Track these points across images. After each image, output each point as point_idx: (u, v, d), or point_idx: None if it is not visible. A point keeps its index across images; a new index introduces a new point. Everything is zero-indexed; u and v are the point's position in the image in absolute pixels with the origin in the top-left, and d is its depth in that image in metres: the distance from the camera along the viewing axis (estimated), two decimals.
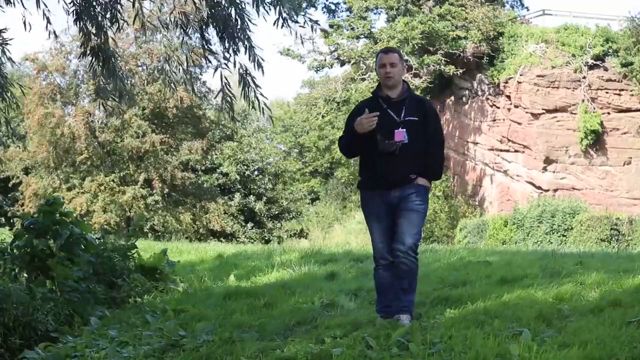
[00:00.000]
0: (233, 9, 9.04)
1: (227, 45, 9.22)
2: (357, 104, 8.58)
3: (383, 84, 8.19)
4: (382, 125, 7.85)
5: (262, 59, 9.26)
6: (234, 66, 9.29)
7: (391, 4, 37.56)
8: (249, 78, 9.30)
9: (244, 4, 9.09)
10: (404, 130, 7.86)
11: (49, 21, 10.05)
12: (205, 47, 9.54)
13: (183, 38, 9.75)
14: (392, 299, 8.11)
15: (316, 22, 9.41)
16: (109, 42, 9.90)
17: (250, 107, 9.41)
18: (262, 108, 9.55)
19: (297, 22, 9.24)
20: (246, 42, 9.13)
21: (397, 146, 7.84)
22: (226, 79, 9.42)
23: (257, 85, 9.38)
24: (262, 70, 9.24)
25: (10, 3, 9.77)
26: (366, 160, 8.15)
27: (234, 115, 10.19)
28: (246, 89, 9.29)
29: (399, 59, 8.17)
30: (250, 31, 9.19)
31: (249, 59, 9.22)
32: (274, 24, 9.15)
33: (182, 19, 9.45)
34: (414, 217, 7.95)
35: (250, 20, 9.15)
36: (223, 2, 9.06)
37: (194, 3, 9.37)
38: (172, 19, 9.67)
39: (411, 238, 7.90)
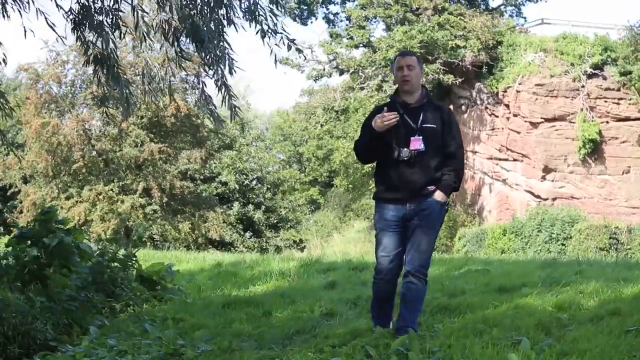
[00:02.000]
0: (211, 23, 9.07)
1: (204, 57, 9.27)
2: (375, 107, 8.44)
3: (400, 89, 7.89)
4: (399, 132, 7.60)
5: (235, 70, 9.30)
6: (211, 78, 9.34)
7: (390, 13, 37.60)
8: (224, 89, 9.33)
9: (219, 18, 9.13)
10: (421, 137, 7.59)
11: (53, 29, 10.06)
12: (180, 55, 9.55)
13: (166, 48, 9.79)
14: (388, 308, 8.02)
15: (292, 41, 9.37)
16: (112, 48, 9.89)
17: (233, 119, 9.47)
18: (235, 116, 9.57)
19: (275, 35, 9.21)
20: (222, 55, 9.16)
21: (412, 154, 7.56)
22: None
23: (232, 95, 9.43)
24: (232, 71, 9.25)
25: (7, 16, 9.78)
26: (382, 169, 7.86)
27: (218, 117, 10.21)
28: (224, 99, 9.35)
29: (417, 62, 7.86)
30: (227, 45, 9.23)
31: (226, 71, 9.27)
32: (256, 33, 9.18)
33: (164, 27, 9.44)
34: (427, 237, 7.68)
35: (226, 39, 9.17)
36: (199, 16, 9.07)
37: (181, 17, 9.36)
38: (155, 27, 9.68)
39: (423, 259, 7.67)
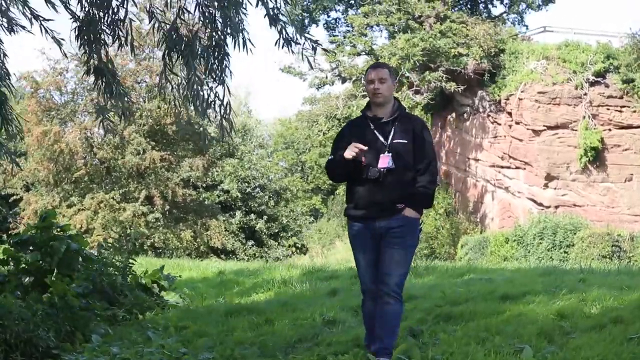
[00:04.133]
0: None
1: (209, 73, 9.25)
2: (344, 124, 8.09)
3: (372, 102, 7.64)
4: (368, 148, 7.28)
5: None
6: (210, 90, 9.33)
7: (392, 21, 37.63)
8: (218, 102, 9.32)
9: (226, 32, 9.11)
10: (390, 155, 7.28)
11: (58, 44, 10.10)
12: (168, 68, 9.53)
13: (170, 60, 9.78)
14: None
15: (316, 41, 9.31)
16: (111, 59, 9.92)
17: (229, 130, 9.44)
18: (229, 130, 9.54)
19: (298, 43, 9.15)
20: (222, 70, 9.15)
21: (381, 173, 7.27)
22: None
23: (228, 109, 9.42)
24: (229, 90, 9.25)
25: (13, 31, 9.80)
26: (351, 186, 7.58)
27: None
28: (221, 111, 9.33)
29: (389, 75, 7.58)
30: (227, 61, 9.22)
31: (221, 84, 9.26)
32: (275, 44, 9.12)
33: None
34: (399, 255, 7.33)
35: (228, 55, 9.15)
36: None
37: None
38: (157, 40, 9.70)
39: (395, 278, 7.30)
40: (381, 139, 7.40)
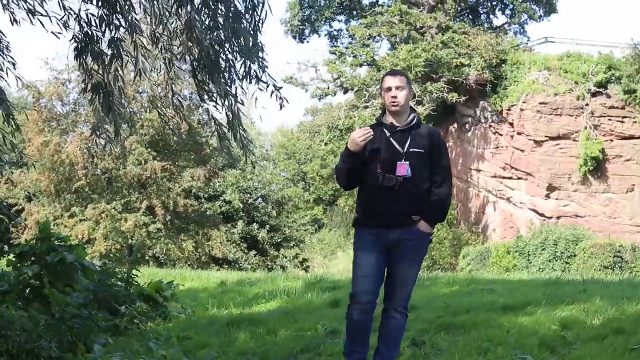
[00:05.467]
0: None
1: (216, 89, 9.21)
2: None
3: (388, 110, 7.30)
4: (384, 156, 7.10)
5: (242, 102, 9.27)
6: (222, 107, 9.30)
7: (394, 32, 37.71)
8: (235, 121, 9.28)
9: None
10: (407, 163, 7.06)
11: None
12: (199, 85, 9.50)
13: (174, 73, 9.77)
14: (362, 346, 7.27)
15: (279, 88, 9.03)
16: (111, 77, 9.91)
17: (239, 148, 9.41)
18: (246, 151, 9.51)
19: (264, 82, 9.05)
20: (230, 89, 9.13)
21: (398, 181, 7.02)
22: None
23: (243, 129, 9.39)
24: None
25: (17, 22, 9.83)
26: (364, 195, 7.29)
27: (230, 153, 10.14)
28: (234, 131, 9.30)
29: (406, 83, 7.28)
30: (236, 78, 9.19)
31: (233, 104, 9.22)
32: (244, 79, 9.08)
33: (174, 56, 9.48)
34: (410, 271, 7.21)
35: (237, 73, 9.12)
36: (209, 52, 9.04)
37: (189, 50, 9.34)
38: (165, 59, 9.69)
39: (404, 294, 7.20)
40: (397, 146, 7.17)
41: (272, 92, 8.95)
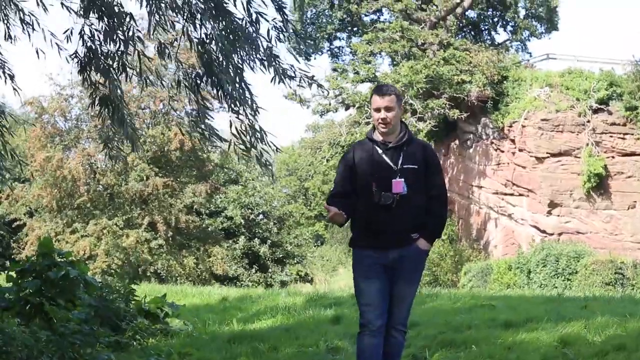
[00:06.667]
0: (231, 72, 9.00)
1: (229, 104, 9.19)
2: (348, 148, 7.64)
3: (378, 131, 7.26)
4: (378, 174, 7.01)
5: (259, 112, 9.24)
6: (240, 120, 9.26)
7: (395, 48, 37.74)
8: (255, 136, 9.27)
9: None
10: (402, 180, 6.95)
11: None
12: (201, 102, 9.47)
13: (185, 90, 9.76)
14: None
15: (312, 77, 9.20)
16: (117, 90, 9.93)
17: (255, 164, 9.40)
18: (267, 167, 9.51)
19: (293, 78, 9.05)
20: (247, 101, 9.12)
21: (394, 199, 6.92)
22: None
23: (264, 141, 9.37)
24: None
25: (11, 39, 9.88)
26: (360, 214, 7.13)
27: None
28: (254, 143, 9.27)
29: (396, 102, 7.18)
30: (250, 92, 9.18)
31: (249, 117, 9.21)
32: (271, 81, 9.05)
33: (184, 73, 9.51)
34: (409, 290, 7.16)
35: (245, 81, 9.12)
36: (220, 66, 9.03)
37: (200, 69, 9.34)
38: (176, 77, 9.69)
39: (404, 312, 7.15)
40: (390, 163, 7.06)
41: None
